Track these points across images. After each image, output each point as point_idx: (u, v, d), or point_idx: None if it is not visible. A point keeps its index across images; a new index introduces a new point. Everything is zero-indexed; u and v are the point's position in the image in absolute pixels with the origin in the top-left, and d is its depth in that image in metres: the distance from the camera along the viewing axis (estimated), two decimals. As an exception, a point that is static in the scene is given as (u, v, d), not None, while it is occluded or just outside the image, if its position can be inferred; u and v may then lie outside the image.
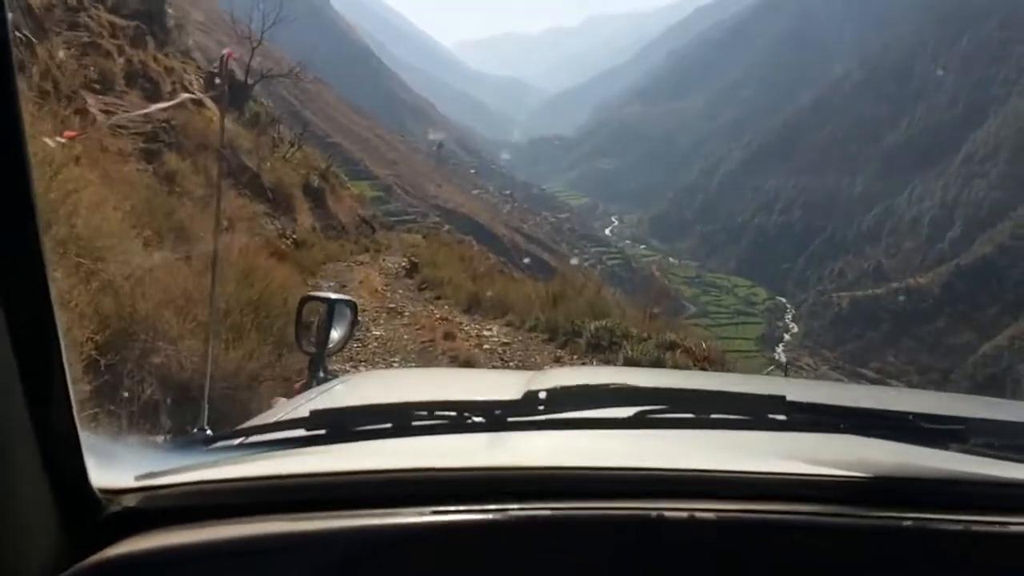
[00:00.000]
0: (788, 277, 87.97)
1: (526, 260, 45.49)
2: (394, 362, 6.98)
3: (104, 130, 7.38)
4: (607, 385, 1.06)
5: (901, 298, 66.84)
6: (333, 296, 2.20)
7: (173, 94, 11.22)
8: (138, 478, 0.90)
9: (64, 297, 3.32)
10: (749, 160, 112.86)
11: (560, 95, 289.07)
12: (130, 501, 0.87)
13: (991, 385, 53.52)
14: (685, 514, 0.86)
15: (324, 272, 13.31)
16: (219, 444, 1.12)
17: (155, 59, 12.83)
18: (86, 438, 0.83)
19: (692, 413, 0.99)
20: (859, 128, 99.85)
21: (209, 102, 14.33)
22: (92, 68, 8.95)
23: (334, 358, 2.32)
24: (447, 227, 48.46)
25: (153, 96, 10.39)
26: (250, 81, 20.40)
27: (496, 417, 1.00)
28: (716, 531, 0.86)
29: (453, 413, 1.00)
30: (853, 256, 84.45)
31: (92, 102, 8.05)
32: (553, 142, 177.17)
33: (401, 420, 1.00)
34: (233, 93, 18.45)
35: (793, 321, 79.84)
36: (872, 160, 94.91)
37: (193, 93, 11.87)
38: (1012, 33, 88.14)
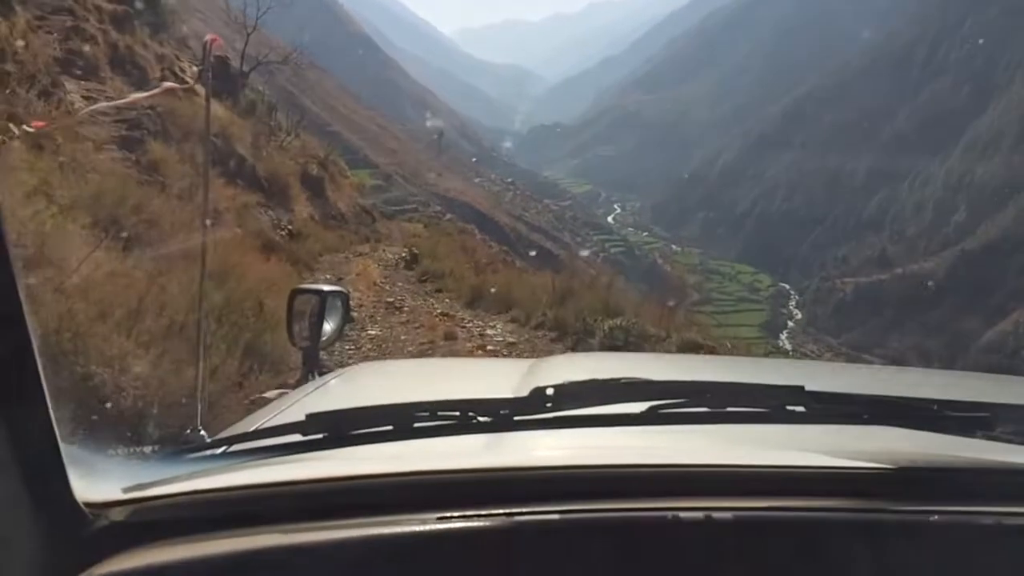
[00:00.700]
0: (791, 264, 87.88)
1: (532, 253, 45.10)
2: (389, 368, 6.55)
3: (83, 117, 6.97)
4: (618, 379, 0.99)
5: (930, 283, 66.10)
6: (325, 288, 2.12)
7: (162, 81, 10.79)
8: (126, 490, 0.86)
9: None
10: (751, 147, 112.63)
11: (561, 83, 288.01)
12: (118, 515, 0.83)
13: (996, 371, 53.31)
14: (701, 514, 0.83)
15: (321, 264, 12.92)
16: (211, 452, 1.07)
17: (144, 45, 12.39)
18: (68, 451, 0.79)
19: (707, 407, 0.95)
20: (861, 114, 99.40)
21: (201, 89, 13.89)
22: (74, 53, 8.53)
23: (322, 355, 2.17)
24: (448, 216, 48.25)
25: (139, 82, 9.98)
26: (245, 68, 19.96)
27: (502, 416, 0.95)
28: (734, 531, 0.83)
29: (457, 413, 0.95)
30: (856, 242, 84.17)
31: (72, 87, 7.63)
32: (554, 130, 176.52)
33: (403, 421, 0.95)
34: (227, 80, 18.02)
35: (797, 308, 79.96)
36: (875, 146, 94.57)
37: (179, 80, 11.44)
38: (1015, 20, 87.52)
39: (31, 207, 3.86)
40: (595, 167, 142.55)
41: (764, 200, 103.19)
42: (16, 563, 0.76)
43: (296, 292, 2.14)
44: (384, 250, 17.01)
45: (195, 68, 17.07)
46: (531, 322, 8.48)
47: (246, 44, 19.92)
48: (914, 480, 0.87)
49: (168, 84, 7.21)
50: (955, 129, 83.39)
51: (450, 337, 7.15)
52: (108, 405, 3.31)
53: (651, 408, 0.95)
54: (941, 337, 61.66)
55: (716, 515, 0.83)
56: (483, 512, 0.83)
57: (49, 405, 0.77)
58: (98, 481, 0.85)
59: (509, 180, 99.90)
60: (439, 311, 9.10)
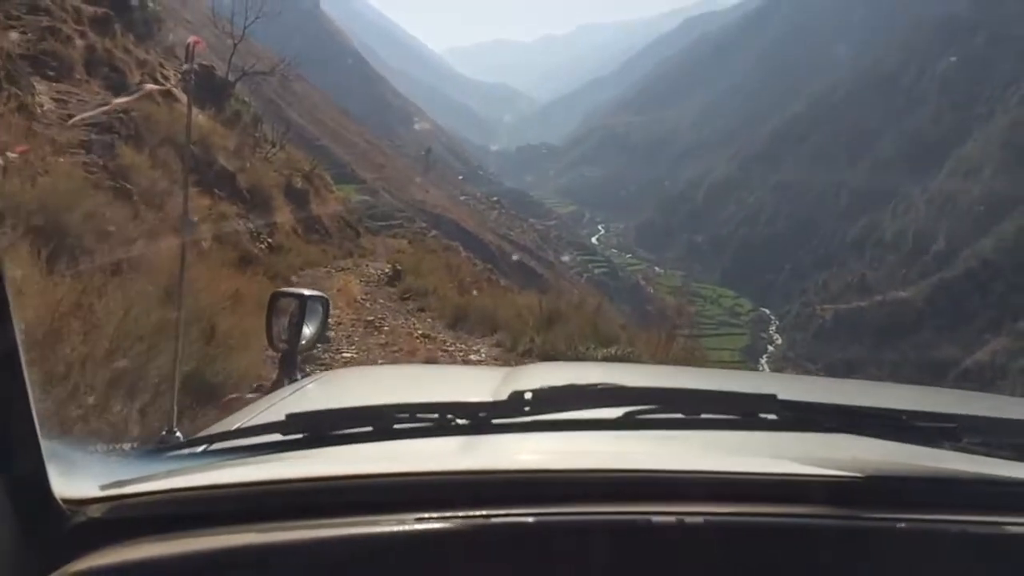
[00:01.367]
0: (773, 288, 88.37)
1: (515, 257, 44.87)
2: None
3: (52, 119, 6.63)
4: (595, 385, 1.02)
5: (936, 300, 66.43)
6: (306, 292, 2.13)
7: (141, 85, 10.46)
8: (103, 487, 0.86)
9: None
10: (735, 171, 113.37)
11: (550, 103, 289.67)
12: (95, 511, 0.84)
13: None
14: (674, 518, 0.84)
15: (301, 278, 12.54)
16: (190, 450, 1.07)
17: (127, 49, 12.07)
18: (47, 446, 0.80)
19: (681, 413, 0.97)
20: (845, 141, 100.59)
21: (182, 96, 13.57)
22: (47, 54, 8.20)
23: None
24: (433, 232, 48.07)
25: (117, 86, 9.67)
26: (231, 78, 19.70)
27: (481, 419, 0.97)
28: (706, 535, 0.85)
29: (436, 415, 0.97)
30: (837, 269, 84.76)
31: (42, 89, 7.30)
32: (541, 149, 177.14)
33: (382, 423, 0.97)
34: (212, 90, 17.76)
35: (777, 333, 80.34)
36: (857, 173, 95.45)
37: (161, 84, 11.12)
38: (998, 49, 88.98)
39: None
40: (581, 187, 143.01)
41: (747, 224, 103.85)
42: None
43: (277, 295, 2.15)
44: (367, 265, 16.71)
45: (179, 74, 16.76)
46: (518, 347, 8.02)
47: (232, 54, 19.73)
48: (882, 488, 0.89)
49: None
50: (937, 156, 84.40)
51: (431, 363, 6.72)
52: (91, 400, 3.22)
53: (627, 414, 0.97)
54: (919, 365, 61.98)
55: (688, 519, 0.84)
56: (461, 514, 0.84)
57: (31, 401, 0.77)
58: (77, 478, 0.85)
59: (495, 198, 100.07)
60: (420, 332, 8.69)
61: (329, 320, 8.78)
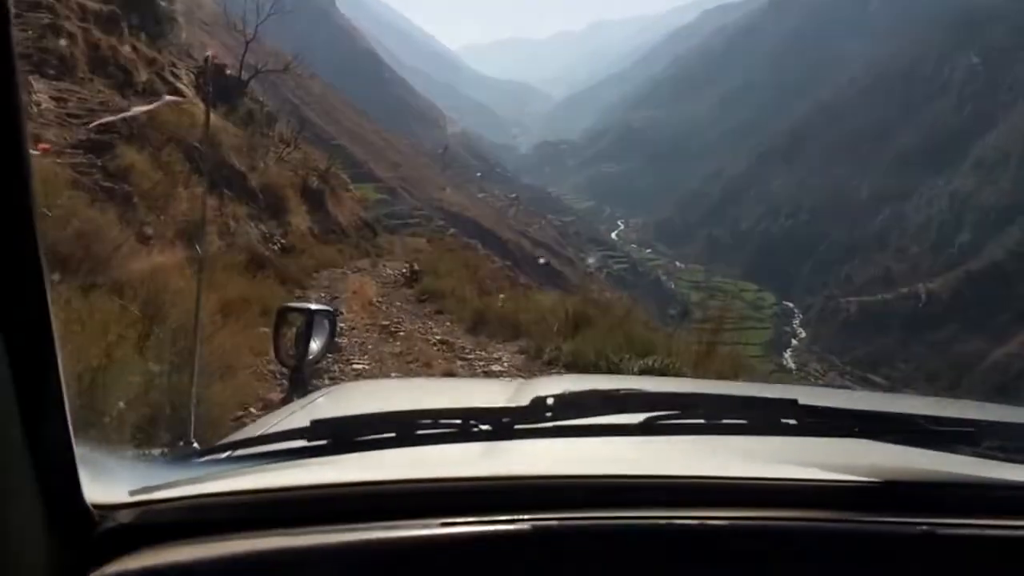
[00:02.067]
0: (795, 282, 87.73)
1: (537, 258, 44.41)
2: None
3: (50, 119, 6.29)
4: (617, 390, 1.03)
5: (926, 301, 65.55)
6: (313, 306, 2.13)
7: (148, 84, 10.13)
8: (133, 493, 0.88)
9: None
10: (755, 164, 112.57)
11: (566, 99, 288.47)
12: (125, 517, 0.85)
13: (1001, 392, 53.31)
14: (696, 521, 0.86)
15: (316, 280, 12.19)
16: (216, 456, 1.08)
17: (134, 48, 11.74)
18: (81, 452, 0.82)
19: (703, 419, 0.99)
20: (866, 132, 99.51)
21: (190, 94, 13.20)
22: (48, 51, 7.88)
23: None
24: (452, 231, 47.89)
25: (122, 84, 9.35)
26: (244, 77, 19.43)
27: (504, 424, 0.98)
28: (728, 538, 0.86)
29: (459, 421, 0.98)
30: (861, 261, 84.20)
31: (41, 87, 6.97)
32: (559, 146, 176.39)
33: (405, 429, 0.98)
34: (224, 88, 17.53)
35: (801, 326, 79.72)
36: (880, 165, 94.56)
37: (170, 86, 10.81)
38: (1020, 39, 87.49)
39: None
40: (599, 183, 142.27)
41: (768, 217, 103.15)
42: (23, 562, 0.77)
43: (284, 310, 2.17)
44: (384, 266, 16.36)
45: (192, 74, 16.46)
46: (543, 355, 7.47)
47: (245, 52, 19.50)
48: (901, 493, 0.89)
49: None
50: (960, 148, 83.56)
51: (450, 375, 6.18)
52: (122, 405, 3.17)
53: (648, 419, 0.97)
54: (945, 357, 61.49)
55: (710, 522, 0.85)
56: (485, 519, 0.85)
57: (67, 407, 0.79)
58: (107, 483, 0.87)
59: (513, 195, 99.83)
60: (438, 337, 8.21)
61: (342, 325, 8.41)
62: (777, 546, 0.86)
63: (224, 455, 1.10)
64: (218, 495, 0.89)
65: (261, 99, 22.52)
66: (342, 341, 7.34)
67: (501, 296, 8.94)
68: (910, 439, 0.99)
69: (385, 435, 0.97)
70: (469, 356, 7.38)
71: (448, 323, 9.54)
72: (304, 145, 27.73)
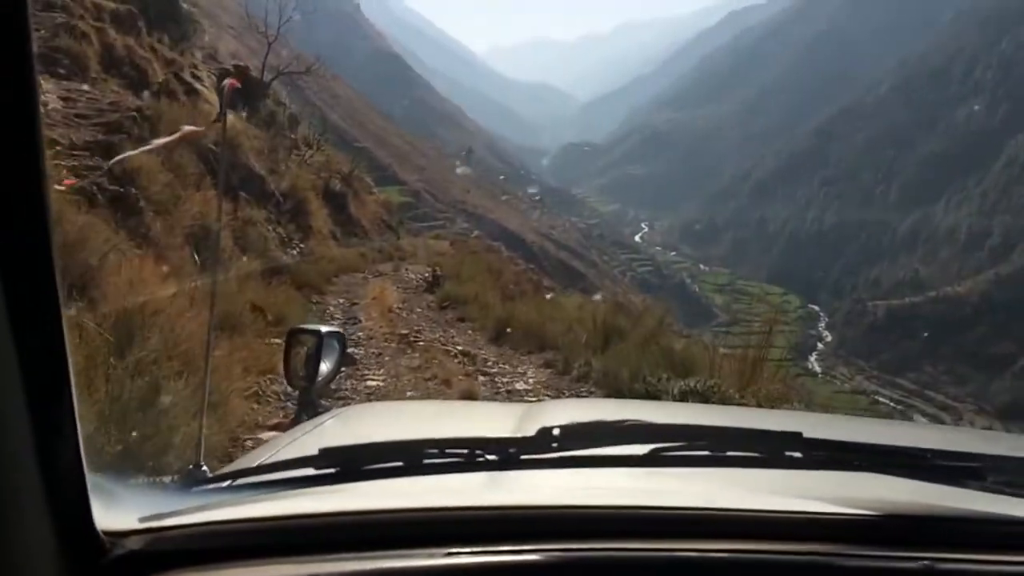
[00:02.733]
0: (821, 285, 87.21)
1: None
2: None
3: (56, 119, 6.02)
4: (622, 422, 1.04)
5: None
6: (323, 328, 2.12)
7: (164, 84, 9.88)
8: (142, 519, 0.88)
9: None
10: (781, 167, 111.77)
11: (591, 102, 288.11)
12: (135, 544, 0.86)
13: None
14: (698, 554, 0.86)
15: (335, 286, 11.87)
16: (225, 484, 1.10)
17: (152, 48, 11.51)
18: (92, 479, 0.82)
19: (707, 451, 0.99)
20: (894, 134, 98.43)
21: (210, 95, 12.98)
22: (59, 51, 7.64)
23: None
24: (475, 233, 47.71)
25: (137, 84, 9.13)
26: (266, 78, 19.27)
27: (510, 455, 0.99)
28: (730, 571, 0.87)
29: (465, 450, 0.99)
30: (888, 264, 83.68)
31: (50, 87, 6.73)
32: (583, 148, 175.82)
33: (413, 458, 0.99)
34: (247, 90, 17.41)
35: (827, 330, 78.93)
36: (908, 167, 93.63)
37: (194, 88, 10.57)
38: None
39: None
40: (624, 185, 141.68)
41: (794, 220, 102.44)
42: None
43: (294, 332, 2.16)
44: (407, 270, 16.06)
45: (213, 77, 16.29)
46: (571, 371, 6.93)
47: (267, 54, 19.35)
48: (905, 527, 0.89)
49: (189, 128, 6.30)
50: (991, 150, 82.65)
51: (469, 396, 5.65)
52: (134, 434, 3.11)
53: (653, 451, 0.98)
54: (975, 361, 60.71)
55: (713, 555, 0.85)
56: (490, 549, 0.85)
57: (79, 434, 0.80)
58: (117, 510, 0.87)
59: (537, 198, 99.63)
60: (459, 348, 7.77)
61: (360, 334, 8.06)
62: None
63: (233, 482, 1.09)
64: (227, 522, 0.89)
65: (284, 101, 22.36)
66: (358, 352, 6.99)
67: (519, 301, 8.34)
68: (914, 473, 0.99)
69: (393, 464, 0.98)
70: (492, 370, 6.91)
71: (470, 331, 9.15)
72: (328, 148, 27.67)
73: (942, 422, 55.79)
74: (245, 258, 8.09)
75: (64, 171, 5.06)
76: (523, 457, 0.99)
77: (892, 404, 59.59)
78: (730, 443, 1.02)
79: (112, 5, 10.50)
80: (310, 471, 0.99)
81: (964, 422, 55.13)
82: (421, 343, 7.61)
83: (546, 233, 74.01)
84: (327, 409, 2.00)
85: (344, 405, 4.80)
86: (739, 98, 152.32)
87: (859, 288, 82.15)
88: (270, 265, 8.71)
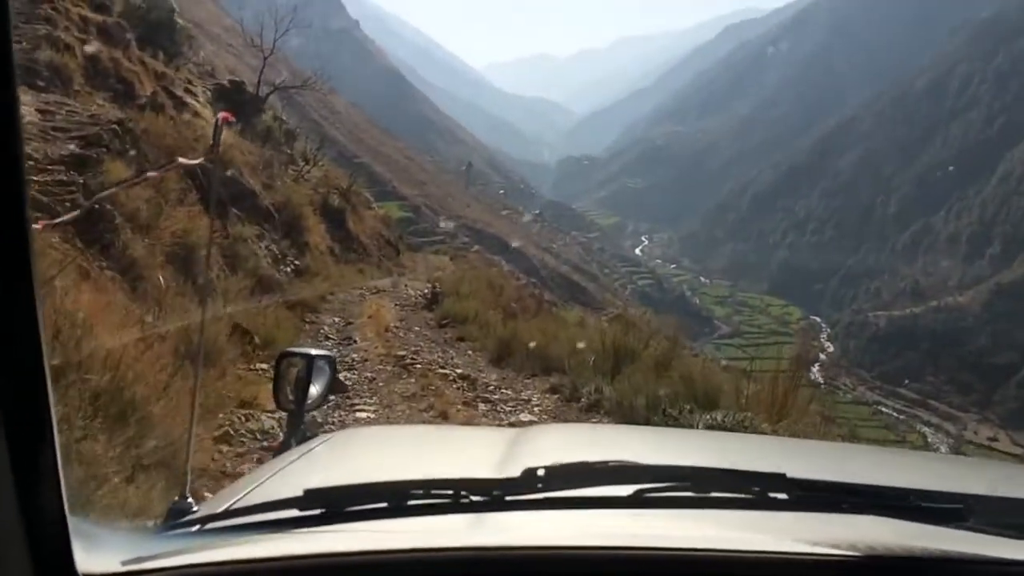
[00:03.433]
0: (822, 297, 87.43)
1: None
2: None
3: (33, 132, 5.67)
4: (607, 462, 1.06)
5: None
6: (312, 352, 2.10)
7: (153, 98, 9.55)
8: (124, 563, 0.88)
9: None
10: (780, 179, 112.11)
11: (590, 116, 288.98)
12: None
13: None
14: None
15: (330, 303, 11.48)
16: (208, 526, 1.09)
17: (142, 61, 11.19)
18: (74, 522, 0.83)
19: (692, 492, 1.00)
20: (892, 147, 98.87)
21: (204, 111, 12.66)
22: (39, 63, 7.32)
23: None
24: (475, 247, 47.46)
25: (123, 98, 8.80)
26: (262, 93, 19.02)
27: (495, 496, 1.00)
28: None
29: (450, 491, 0.99)
30: (889, 275, 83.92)
31: (28, 100, 6.40)
32: (582, 162, 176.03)
33: (397, 499, 0.99)
34: (242, 105, 17.21)
35: (829, 341, 78.67)
36: (906, 179, 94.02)
37: (184, 102, 10.25)
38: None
39: None
40: (623, 199, 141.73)
41: (794, 232, 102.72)
42: None
43: (284, 355, 2.14)
44: (406, 285, 15.71)
45: (208, 92, 16.02)
46: (580, 397, 6.42)
47: (263, 68, 19.12)
48: (888, 569, 0.89)
49: (183, 161, 5.97)
50: (989, 161, 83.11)
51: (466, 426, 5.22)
52: (116, 481, 2.96)
53: (637, 491, 0.99)
54: (977, 371, 60.66)
55: None
56: None
57: (61, 477, 0.80)
58: (99, 553, 0.87)
59: (537, 212, 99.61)
60: (459, 371, 7.30)
61: (354, 356, 7.68)
62: None
63: (219, 524, 1.08)
64: (209, 565, 0.89)
65: (281, 116, 22.12)
66: (351, 377, 6.60)
67: (528, 343, 7.69)
68: (899, 513, 0.99)
69: (377, 505, 0.98)
70: (493, 397, 6.47)
71: (470, 352, 8.71)
72: (326, 163, 27.42)
73: (946, 432, 55.52)
74: (233, 276, 7.71)
75: (35, 186, 4.72)
76: (508, 498, 0.98)
77: (895, 415, 59.36)
78: (715, 483, 1.02)
79: (99, 18, 10.21)
80: (295, 512, 0.98)
81: (968, 431, 54.95)
82: (418, 366, 7.16)
83: (546, 247, 73.84)
84: (315, 434, 1.96)
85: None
86: (737, 111, 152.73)
87: (860, 299, 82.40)
88: (261, 283, 8.33)
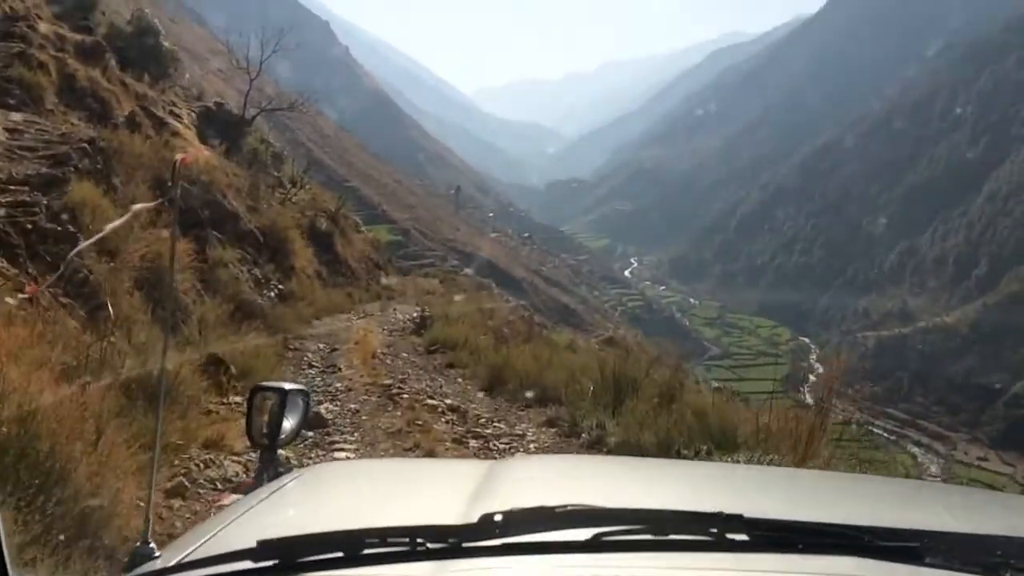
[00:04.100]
0: (811, 317, 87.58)
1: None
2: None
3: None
4: (565, 506, 1.06)
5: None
6: (286, 386, 2.07)
7: (131, 117, 9.24)
8: None
9: None
10: (767, 201, 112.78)
11: (578, 139, 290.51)
12: None
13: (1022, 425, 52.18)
14: None
15: (316, 329, 11.10)
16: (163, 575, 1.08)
17: (122, 82, 10.91)
18: None
19: (650, 534, 1.00)
20: (879, 167, 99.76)
21: (187, 133, 12.36)
22: (11, 81, 7.00)
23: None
24: (465, 270, 47.17)
25: (99, 117, 8.48)
26: (248, 115, 18.82)
27: (451, 544, 0.98)
28: None
29: (406, 539, 0.98)
30: (877, 295, 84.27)
31: (-6, 119, 6.07)
32: (571, 185, 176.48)
33: (352, 549, 0.98)
34: (227, 127, 17.01)
35: (818, 361, 78.45)
36: (893, 199, 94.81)
37: (164, 121, 9.96)
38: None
39: None
40: (612, 221, 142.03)
41: (782, 253, 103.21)
42: None
43: (256, 389, 2.11)
44: (394, 309, 15.40)
45: (192, 113, 15.80)
46: (580, 431, 5.93)
47: (249, 90, 18.91)
48: None
49: (139, 206, 5.63)
50: (975, 181, 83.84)
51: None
52: (61, 538, 2.64)
53: (596, 535, 0.99)
54: (966, 391, 60.82)
55: None
56: None
57: (2, 538, 0.79)
58: None
59: (526, 234, 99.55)
60: (448, 402, 6.88)
61: (338, 385, 7.31)
62: None
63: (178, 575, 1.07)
64: None
65: (267, 139, 21.89)
66: (333, 409, 6.21)
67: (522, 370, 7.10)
68: (857, 552, 0.99)
69: (332, 555, 0.96)
70: (485, 431, 6.01)
71: (460, 380, 8.34)
72: (315, 187, 27.12)
73: (936, 452, 55.39)
74: (211, 301, 7.35)
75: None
76: (465, 545, 0.97)
77: (885, 435, 59.30)
78: (673, 526, 1.01)
79: (77, 37, 9.92)
80: (248, 564, 0.96)
81: (958, 452, 54.81)
82: (405, 396, 6.73)
83: (536, 269, 73.64)
84: (288, 470, 1.91)
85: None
86: (723, 134, 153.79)
87: (848, 319, 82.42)
88: (241, 308, 7.96)
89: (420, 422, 5.78)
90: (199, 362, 5.25)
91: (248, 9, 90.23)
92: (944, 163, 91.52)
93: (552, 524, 1.00)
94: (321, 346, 9.75)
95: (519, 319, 18.45)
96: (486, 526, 0.98)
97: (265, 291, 10.19)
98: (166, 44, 16.56)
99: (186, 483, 3.98)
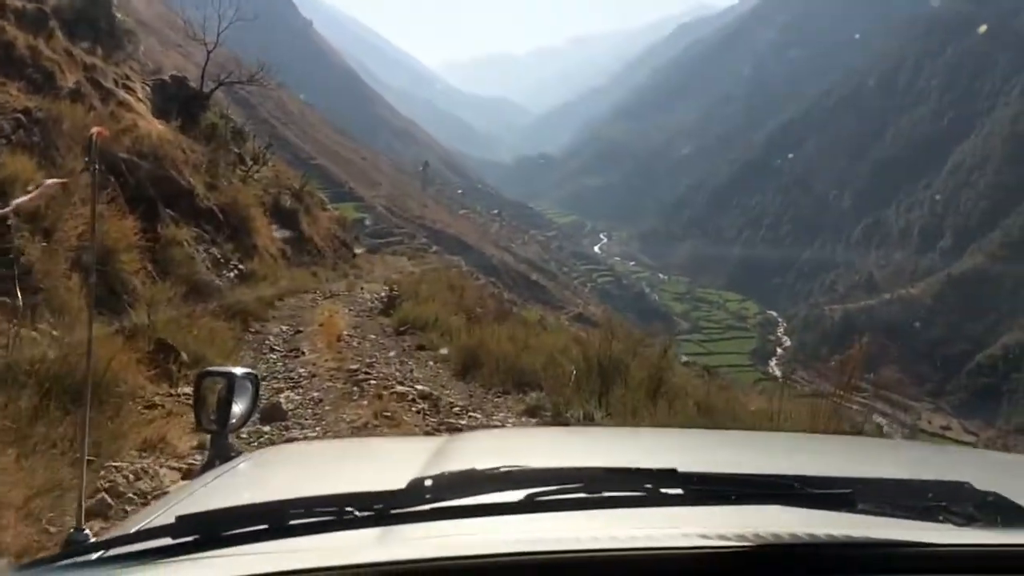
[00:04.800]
0: (779, 291, 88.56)
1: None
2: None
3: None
4: (495, 469, 1.05)
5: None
6: (234, 370, 2.01)
7: (77, 87, 8.67)
8: None
9: None
10: (736, 175, 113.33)
11: (546, 114, 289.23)
12: None
13: (986, 394, 53.53)
14: None
15: (279, 310, 10.66)
16: (87, 557, 1.04)
17: (69, 52, 10.28)
18: None
19: (584, 492, 1.00)
20: (845, 141, 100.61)
21: (139, 106, 11.77)
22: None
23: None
24: (434, 248, 46.70)
25: (41, 87, 7.91)
26: (206, 89, 18.09)
27: (379, 511, 0.97)
28: None
29: (333, 508, 0.96)
30: (844, 268, 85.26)
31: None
32: (539, 161, 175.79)
33: (277, 520, 0.95)
34: (183, 101, 16.36)
35: (785, 335, 79.64)
36: (859, 173, 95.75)
37: (111, 91, 9.40)
38: (995, 46, 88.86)
39: None
40: (581, 197, 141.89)
41: (750, 227, 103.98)
42: None
43: (203, 374, 2.09)
44: (362, 288, 14.98)
45: (147, 87, 15.15)
46: (565, 423, 5.42)
47: (206, 63, 18.17)
48: (777, 557, 0.90)
49: (51, 181, 5.13)
50: (939, 154, 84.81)
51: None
52: None
53: (527, 496, 0.98)
54: (931, 361, 61.89)
55: None
56: None
57: None
58: None
59: (495, 211, 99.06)
60: (419, 388, 6.45)
61: (301, 371, 6.92)
62: None
63: (96, 555, 1.02)
64: None
65: (227, 115, 21.14)
66: (294, 399, 5.82)
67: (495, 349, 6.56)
68: (789, 501, 0.99)
69: (256, 528, 0.93)
70: (460, 422, 5.53)
71: (431, 363, 7.95)
72: (279, 163, 26.31)
73: (901, 422, 56.63)
74: (162, 282, 6.89)
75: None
76: (394, 512, 0.95)
77: (852, 407, 60.23)
78: (606, 483, 1.01)
79: (17, 3, 9.29)
80: (168, 540, 0.92)
81: (922, 421, 55.95)
82: (373, 382, 6.26)
83: (505, 246, 73.34)
84: (239, 453, 1.88)
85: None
86: (691, 109, 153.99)
87: (816, 293, 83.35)
88: (195, 290, 7.52)
89: (388, 413, 5.34)
90: (146, 350, 4.85)
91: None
92: (910, 136, 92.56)
93: (483, 487, 0.99)
94: (284, 328, 9.32)
95: (489, 297, 18.11)
96: (415, 492, 0.98)
97: (224, 271, 9.72)
98: (119, 15, 15.86)
99: (109, 499, 3.41)
